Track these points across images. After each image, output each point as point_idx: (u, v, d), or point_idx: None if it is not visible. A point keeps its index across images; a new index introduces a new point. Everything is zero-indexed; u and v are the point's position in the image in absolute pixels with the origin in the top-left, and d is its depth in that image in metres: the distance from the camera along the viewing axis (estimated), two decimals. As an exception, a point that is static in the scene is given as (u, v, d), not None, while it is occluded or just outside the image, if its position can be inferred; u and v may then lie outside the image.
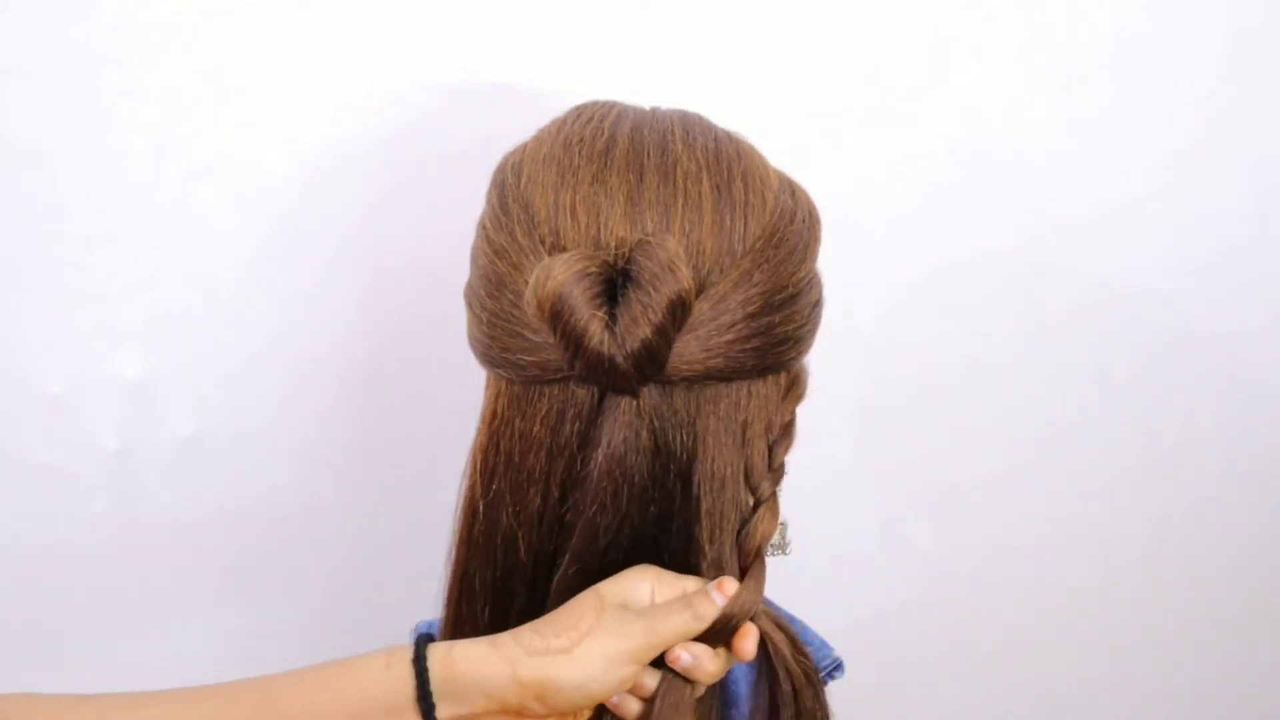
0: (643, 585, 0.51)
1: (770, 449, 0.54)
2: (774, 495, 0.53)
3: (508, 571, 0.53)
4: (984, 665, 1.04)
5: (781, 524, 0.57)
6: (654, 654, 0.50)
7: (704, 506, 0.51)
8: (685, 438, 0.51)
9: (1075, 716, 1.08)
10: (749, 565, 0.52)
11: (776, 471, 0.54)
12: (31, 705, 0.46)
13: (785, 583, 0.66)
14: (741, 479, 0.52)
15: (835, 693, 0.61)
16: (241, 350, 0.81)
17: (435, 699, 0.47)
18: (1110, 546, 1.03)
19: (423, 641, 0.49)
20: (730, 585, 0.51)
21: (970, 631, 1.03)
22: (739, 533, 0.52)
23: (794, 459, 0.56)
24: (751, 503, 0.53)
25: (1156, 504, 1.02)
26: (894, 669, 1.02)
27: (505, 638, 0.49)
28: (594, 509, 0.51)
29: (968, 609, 1.02)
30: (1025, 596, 1.03)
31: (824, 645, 0.61)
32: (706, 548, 0.52)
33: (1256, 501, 1.04)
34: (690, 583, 0.51)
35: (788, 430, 0.55)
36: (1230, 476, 1.03)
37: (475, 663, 0.48)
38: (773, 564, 0.58)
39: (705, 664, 0.50)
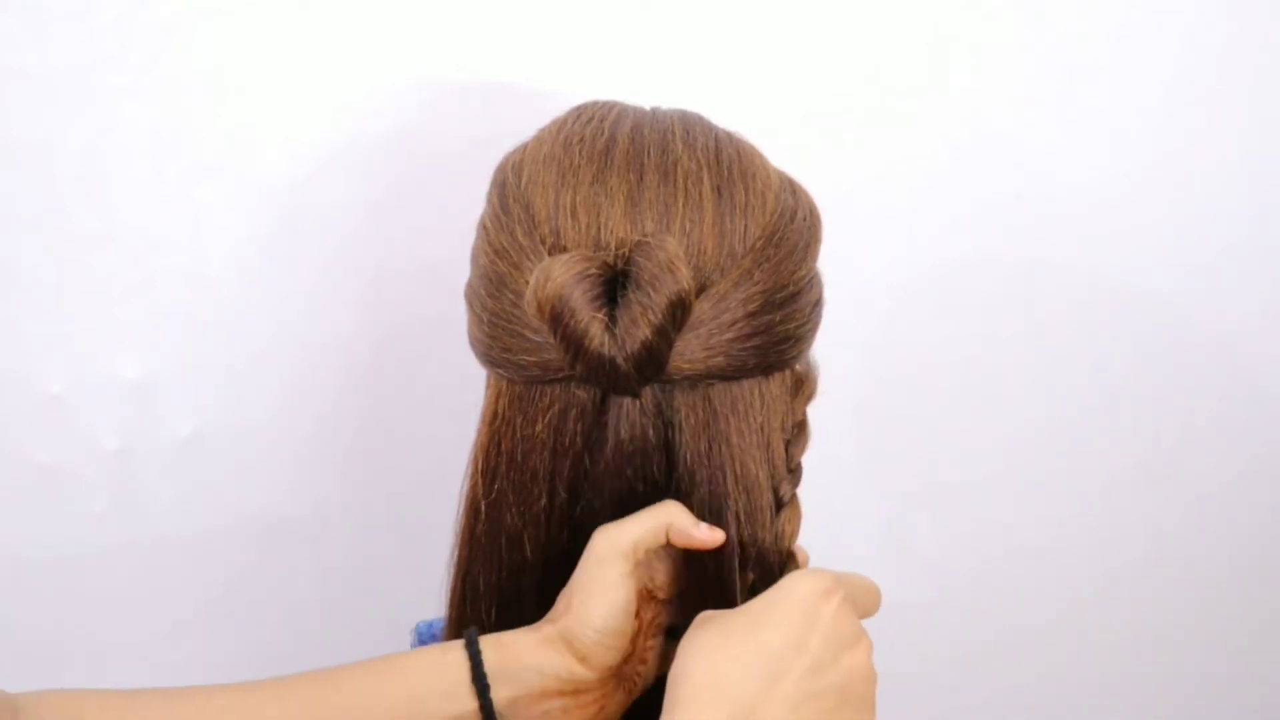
0: (659, 531, 0.51)
1: (787, 449, 0.54)
2: (795, 497, 0.54)
3: (514, 571, 0.53)
4: (984, 665, 1.04)
5: (783, 524, 0.57)
6: (658, 537, 0.50)
7: (737, 508, 0.51)
8: (694, 438, 0.51)
9: (1075, 716, 1.08)
10: (785, 566, 0.53)
11: (795, 473, 0.54)
12: (80, 703, 0.46)
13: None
14: (769, 479, 0.53)
15: (836, 693, 0.61)
16: (241, 350, 0.81)
17: (490, 680, 0.48)
18: (1111, 546, 1.03)
19: (474, 632, 0.50)
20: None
21: (971, 631, 1.03)
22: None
23: (802, 458, 0.56)
24: (774, 504, 0.53)
25: (1157, 504, 1.02)
26: (894, 669, 1.02)
27: (539, 624, 0.50)
28: (612, 509, 0.51)
29: (968, 609, 1.02)
30: (1026, 596, 1.03)
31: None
32: (750, 550, 0.52)
33: (1257, 502, 1.04)
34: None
35: (801, 429, 0.55)
36: (1230, 477, 1.03)
37: (523, 644, 0.49)
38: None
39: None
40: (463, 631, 0.50)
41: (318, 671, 0.49)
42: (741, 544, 0.52)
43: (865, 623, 0.51)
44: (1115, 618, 1.05)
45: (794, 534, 0.53)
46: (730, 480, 0.51)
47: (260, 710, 0.47)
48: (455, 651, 0.49)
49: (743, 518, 0.52)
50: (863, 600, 0.51)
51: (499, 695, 0.48)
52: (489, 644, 0.49)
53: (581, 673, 0.49)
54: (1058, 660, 1.06)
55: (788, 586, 0.47)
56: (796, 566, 0.53)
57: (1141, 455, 1.00)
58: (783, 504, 0.53)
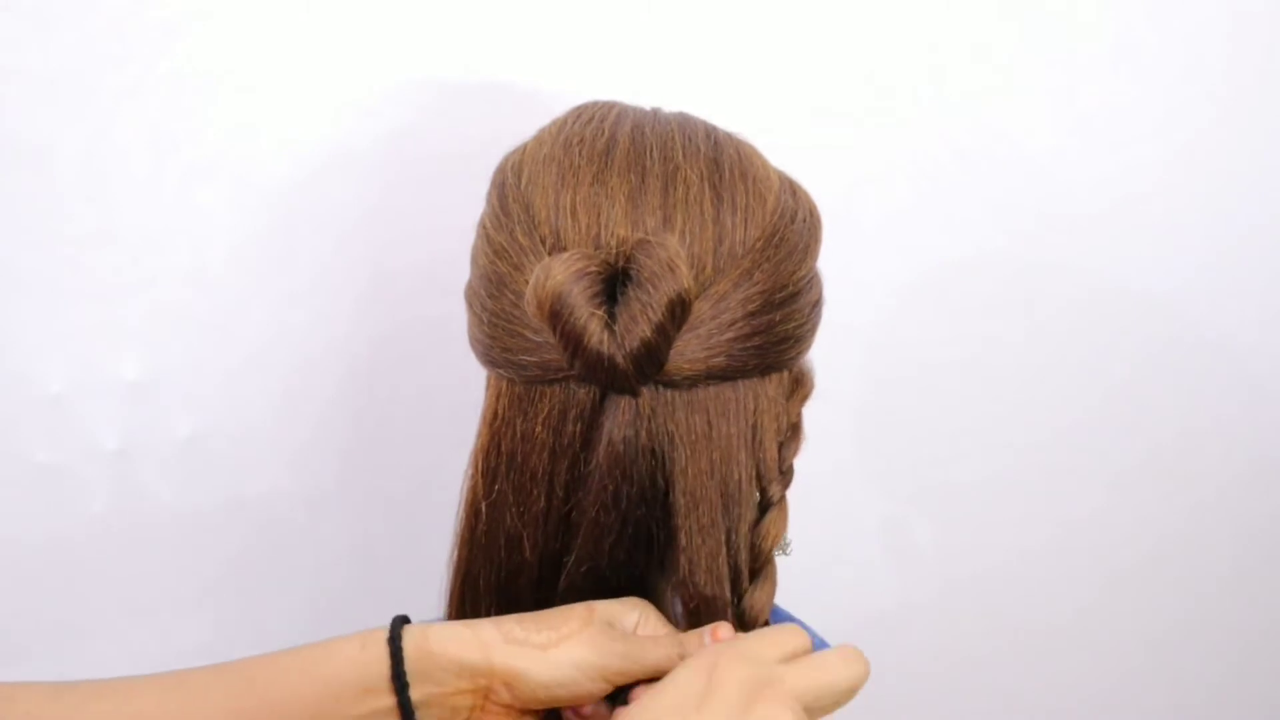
0: (631, 614, 0.51)
1: (780, 450, 0.54)
2: (783, 498, 0.53)
3: (513, 572, 0.53)
4: (985, 666, 1.04)
5: (782, 525, 0.57)
6: (627, 678, 0.49)
7: (724, 510, 0.51)
8: (684, 440, 0.51)
9: (1076, 717, 1.08)
10: (760, 568, 0.52)
11: (786, 474, 0.54)
12: (10, 694, 0.46)
13: (786, 583, 0.66)
14: (754, 481, 0.52)
15: (835, 693, 0.61)
16: (241, 350, 0.81)
17: (409, 678, 0.47)
18: (1112, 547, 1.03)
19: (398, 622, 0.49)
20: (725, 631, 0.50)
21: (971, 632, 1.03)
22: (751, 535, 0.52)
23: (796, 459, 0.56)
24: (759, 503, 0.53)
25: (1158, 505, 1.02)
26: (895, 670, 1.02)
27: (485, 623, 0.49)
28: (597, 509, 0.50)
29: (969, 610, 1.02)
30: (1027, 597, 1.03)
31: (823, 645, 0.61)
32: (723, 553, 0.52)
33: (1258, 502, 1.04)
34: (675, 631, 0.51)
35: (795, 431, 0.55)
36: (1232, 477, 1.03)
37: (450, 643, 0.48)
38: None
39: None
40: (394, 622, 0.49)
41: (241, 661, 0.48)
42: (725, 548, 0.52)
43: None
44: (1117, 618, 1.05)
45: (778, 536, 0.53)
46: (715, 483, 0.51)
47: (178, 708, 0.46)
48: (378, 646, 0.48)
49: (723, 522, 0.51)
50: (829, 696, 0.46)
51: (417, 694, 0.47)
52: (413, 638, 0.48)
53: (501, 695, 0.48)
54: (1059, 661, 1.06)
55: (722, 679, 0.44)
56: (774, 571, 0.53)
57: (1143, 456, 1.00)
58: (770, 505, 0.53)
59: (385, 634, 0.48)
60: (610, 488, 0.50)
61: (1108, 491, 1.01)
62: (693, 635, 0.50)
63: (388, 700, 0.47)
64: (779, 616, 0.63)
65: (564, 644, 0.48)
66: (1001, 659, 1.04)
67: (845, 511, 0.97)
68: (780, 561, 0.57)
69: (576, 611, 0.49)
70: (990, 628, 1.03)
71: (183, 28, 0.75)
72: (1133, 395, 0.98)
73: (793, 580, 0.69)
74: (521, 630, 0.48)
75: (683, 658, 0.48)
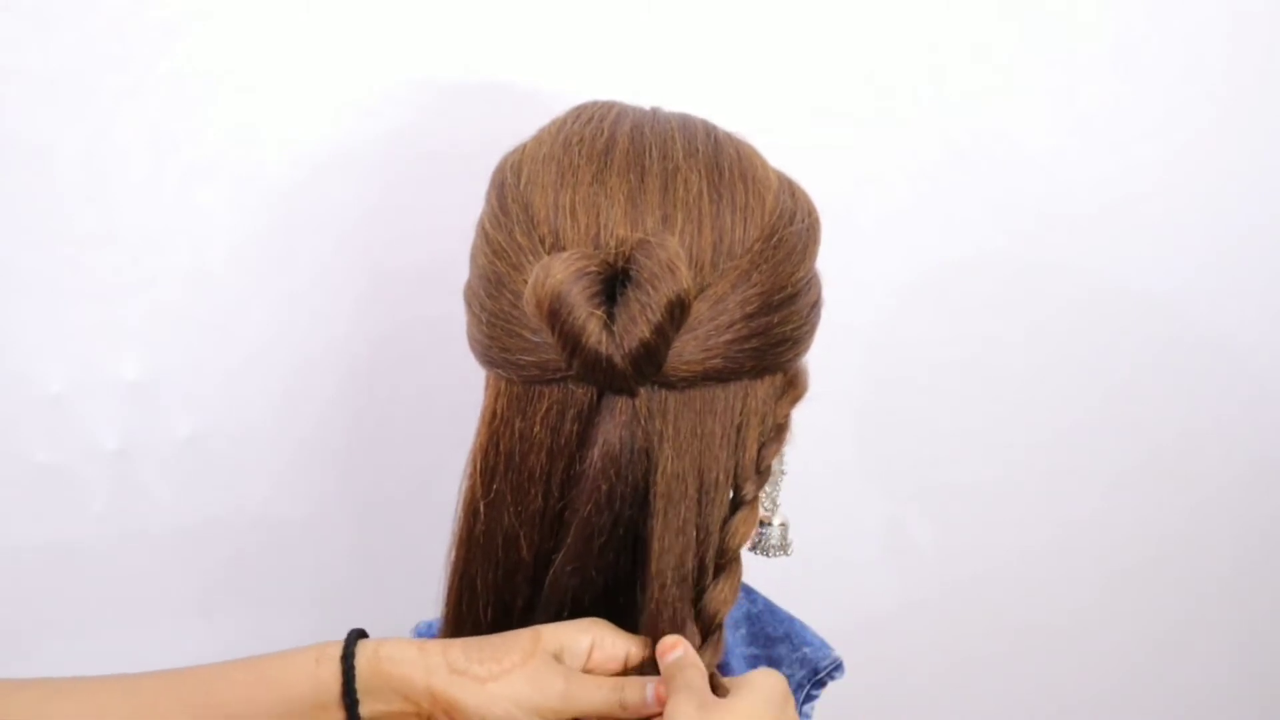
0: (584, 638, 0.50)
1: (760, 450, 0.53)
2: (756, 499, 0.53)
3: (510, 571, 0.53)
4: (985, 667, 1.04)
5: (782, 525, 0.57)
6: (565, 718, 0.49)
7: (699, 508, 0.51)
8: (676, 441, 0.51)
9: (1076, 717, 1.08)
10: (725, 566, 0.52)
11: (763, 474, 0.53)
12: None
13: (787, 583, 0.66)
14: (730, 479, 0.52)
15: (835, 693, 0.61)
16: (241, 350, 0.81)
17: (359, 696, 0.48)
18: (1112, 548, 1.03)
19: (353, 638, 0.50)
20: (666, 684, 0.49)
21: (971, 632, 1.03)
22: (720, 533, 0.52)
23: (796, 460, 0.56)
24: (732, 500, 0.53)
25: (1158, 505, 1.02)
26: (895, 670, 1.02)
27: (435, 646, 0.49)
28: (589, 508, 0.50)
29: (969, 610, 1.02)
30: (1027, 598, 1.03)
31: (824, 645, 0.61)
32: (693, 550, 0.51)
33: (1258, 502, 1.04)
34: (634, 648, 0.51)
35: (780, 432, 0.54)
36: (1232, 477, 1.03)
37: (398, 664, 0.49)
38: (774, 564, 0.58)
39: None
40: (349, 638, 0.50)
41: (201, 667, 0.49)
42: (694, 546, 0.51)
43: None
44: (1117, 618, 1.05)
45: (745, 536, 0.52)
46: (693, 481, 0.51)
47: (135, 710, 0.47)
48: (331, 663, 0.48)
49: (696, 520, 0.51)
50: None
51: (366, 711, 0.48)
52: (365, 656, 0.49)
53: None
54: (1059, 662, 1.06)
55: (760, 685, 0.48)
56: (738, 569, 0.53)
57: (1143, 456, 1.00)
58: (742, 504, 0.52)
59: (340, 650, 0.49)
60: (604, 487, 0.50)
61: (1108, 492, 1.01)
62: (634, 682, 0.50)
63: (338, 716, 0.48)
64: (779, 617, 0.63)
65: (504, 678, 0.48)
66: (1001, 659, 1.04)
67: (845, 511, 0.97)
68: (780, 561, 0.57)
69: (521, 642, 0.49)
70: (990, 628, 1.03)
71: (183, 28, 0.75)
72: (1133, 395, 0.98)
73: (793, 580, 0.69)
74: (465, 659, 0.49)
75: (622, 704, 0.49)
